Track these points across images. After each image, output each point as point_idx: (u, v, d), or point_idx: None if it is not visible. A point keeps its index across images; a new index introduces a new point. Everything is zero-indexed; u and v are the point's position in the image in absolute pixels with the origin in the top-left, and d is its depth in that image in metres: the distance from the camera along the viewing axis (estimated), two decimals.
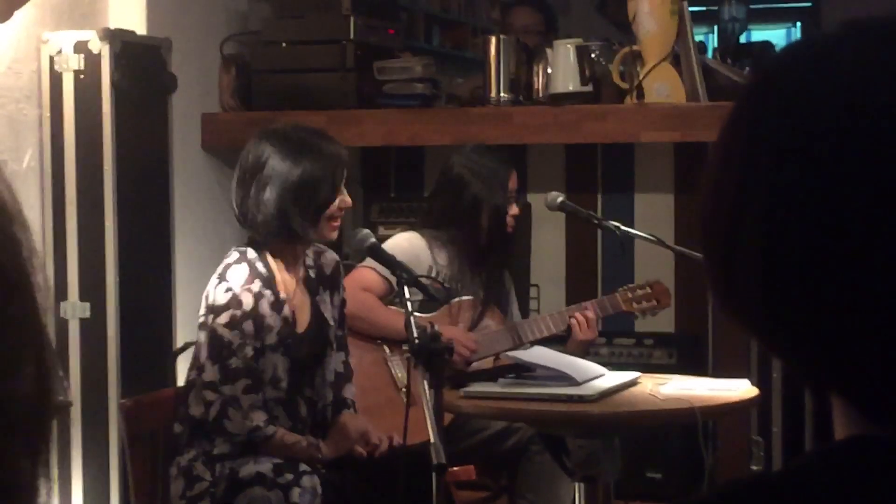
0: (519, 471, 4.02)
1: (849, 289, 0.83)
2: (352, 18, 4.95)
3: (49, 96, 4.25)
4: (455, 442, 3.67)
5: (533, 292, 4.92)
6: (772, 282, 0.86)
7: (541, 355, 3.74)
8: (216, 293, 3.42)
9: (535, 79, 4.86)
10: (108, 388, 4.19)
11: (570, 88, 4.71)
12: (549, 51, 4.79)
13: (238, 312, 3.39)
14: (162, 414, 3.55)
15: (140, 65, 4.35)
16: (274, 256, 3.51)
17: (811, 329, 0.85)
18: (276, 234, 3.47)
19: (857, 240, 0.82)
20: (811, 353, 0.86)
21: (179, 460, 3.42)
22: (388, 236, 4.25)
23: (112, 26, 4.41)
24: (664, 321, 4.59)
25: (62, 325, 4.21)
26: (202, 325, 3.43)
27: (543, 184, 4.77)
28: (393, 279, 3.68)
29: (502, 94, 4.82)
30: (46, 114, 4.26)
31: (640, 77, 4.59)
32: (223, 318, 3.38)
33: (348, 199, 3.57)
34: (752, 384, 3.77)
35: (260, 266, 3.46)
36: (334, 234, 3.57)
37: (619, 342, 4.77)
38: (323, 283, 3.63)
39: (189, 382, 3.46)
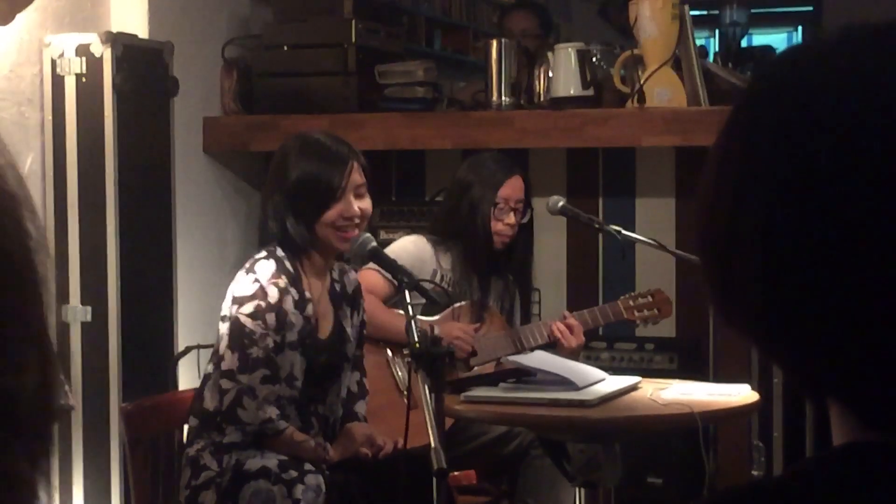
0: (519, 475, 4.02)
1: (847, 296, 0.83)
2: (353, 22, 4.96)
3: (51, 100, 4.26)
4: (456, 446, 3.67)
5: (534, 296, 4.92)
6: (770, 288, 0.86)
7: (542, 360, 3.74)
8: (243, 284, 3.40)
9: (537, 83, 4.86)
10: (109, 392, 4.19)
11: (572, 92, 4.71)
12: (550, 55, 4.79)
13: (262, 303, 3.37)
14: (163, 418, 3.55)
15: (142, 68, 4.35)
16: (302, 260, 3.50)
17: (809, 336, 0.85)
18: (280, 240, 3.46)
19: (855, 246, 0.82)
20: (809, 360, 0.86)
21: (188, 451, 3.41)
22: (390, 240, 4.25)
23: (114, 29, 4.42)
24: (665, 326, 4.58)
25: (63, 329, 4.21)
26: (224, 318, 3.41)
27: (545, 188, 4.77)
28: (396, 281, 3.68)
29: (504, 98, 4.82)
30: (48, 117, 4.26)
31: (642, 81, 4.59)
32: (247, 307, 3.37)
33: (355, 209, 3.44)
34: (753, 389, 3.77)
35: (288, 264, 3.45)
36: (344, 245, 3.43)
37: (619, 347, 4.77)
38: (346, 299, 3.61)
39: (206, 376, 3.46)
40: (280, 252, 3.45)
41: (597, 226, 4.17)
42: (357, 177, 3.46)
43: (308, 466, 3.35)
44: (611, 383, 3.68)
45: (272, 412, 3.35)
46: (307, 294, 3.46)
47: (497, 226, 4.08)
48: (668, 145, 4.73)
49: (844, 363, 0.84)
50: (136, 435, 3.45)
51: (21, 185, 0.76)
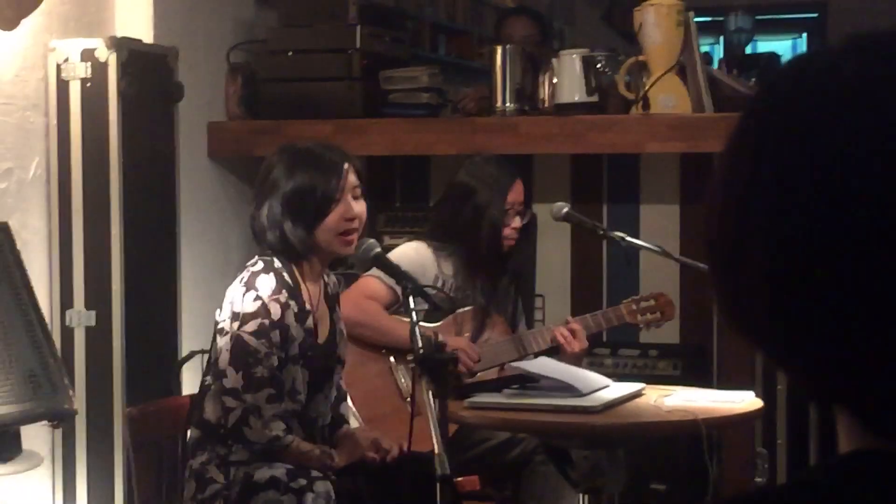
0: (523, 482, 4.02)
1: (855, 304, 0.83)
2: (358, 28, 4.96)
3: (56, 104, 4.26)
4: (459, 452, 3.66)
5: (538, 302, 4.92)
6: (777, 295, 0.86)
7: (545, 366, 3.74)
8: (244, 301, 3.39)
9: (541, 89, 4.86)
10: (113, 397, 4.19)
11: (576, 99, 4.71)
12: (554, 61, 4.79)
13: (266, 321, 3.37)
14: (167, 422, 3.55)
15: (147, 73, 4.35)
16: (299, 267, 3.50)
17: (816, 343, 0.85)
18: (279, 248, 3.46)
19: (863, 254, 0.82)
20: (816, 367, 0.86)
21: (192, 463, 3.41)
22: (394, 246, 4.25)
23: (119, 34, 4.42)
24: (669, 332, 4.59)
25: (68, 334, 4.21)
26: (223, 332, 3.40)
27: (549, 194, 4.77)
28: (398, 288, 3.68)
29: (508, 104, 4.82)
30: (53, 122, 4.27)
31: (646, 88, 4.59)
32: (251, 325, 3.36)
33: (355, 210, 3.48)
34: (757, 396, 3.77)
35: (286, 276, 3.46)
36: (348, 249, 3.48)
37: (623, 353, 4.76)
38: (335, 299, 3.65)
39: (204, 387, 3.45)
40: (277, 263, 3.45)
41: (601, 232, 4.17)
42: (352, 178, 3.49)
43: (315, 474, 3.35)
44: (614, 390, 3.68)
45: (278, 429, 3.35)
46: (307, 305, 3.47)
47: (504, 230, 4.10)
48: (672, 152, 4.73)
49: (852, 371, 0.84)
50: (139, 439, 3.45)
51: None
